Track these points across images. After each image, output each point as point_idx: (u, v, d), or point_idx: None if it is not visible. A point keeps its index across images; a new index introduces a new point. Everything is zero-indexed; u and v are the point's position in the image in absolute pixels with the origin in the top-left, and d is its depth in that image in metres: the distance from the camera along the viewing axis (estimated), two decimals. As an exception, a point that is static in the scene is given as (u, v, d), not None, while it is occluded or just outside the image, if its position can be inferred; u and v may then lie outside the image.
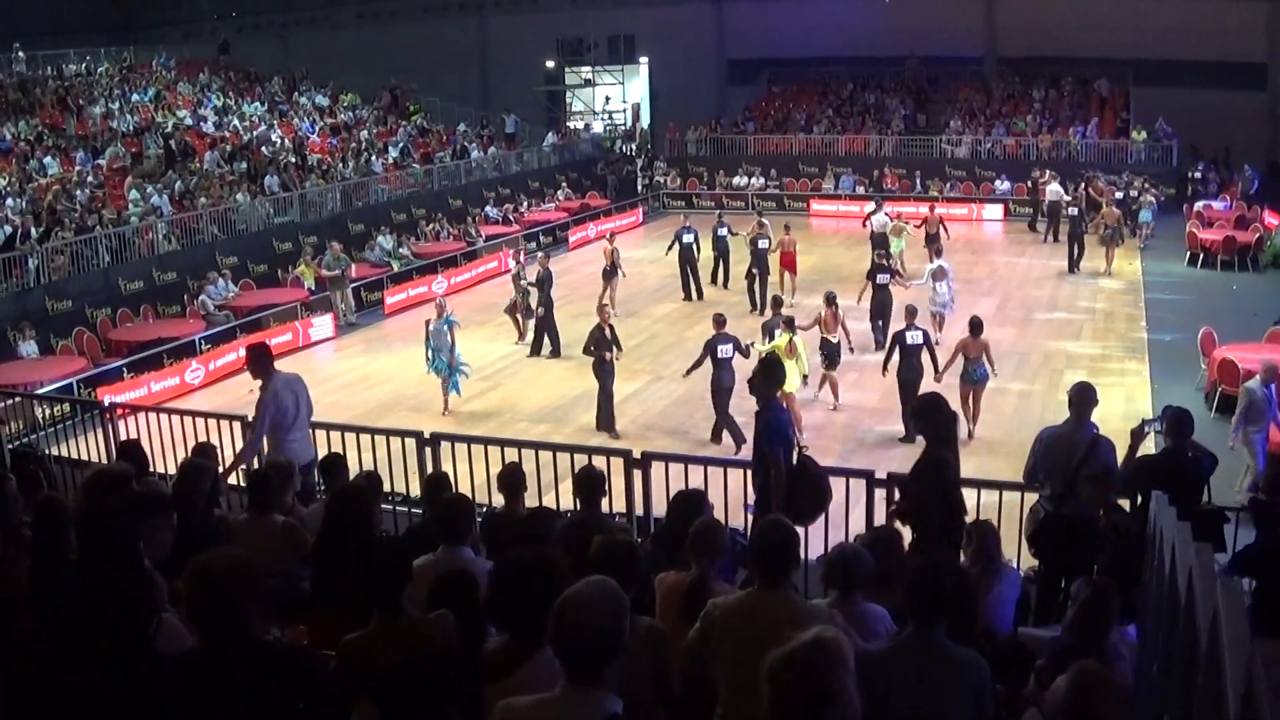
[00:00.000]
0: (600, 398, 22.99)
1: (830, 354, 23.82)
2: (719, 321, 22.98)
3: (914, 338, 22.51)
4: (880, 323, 27.91)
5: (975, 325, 22.48)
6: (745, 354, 22.26)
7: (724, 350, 21.97)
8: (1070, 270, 38.07)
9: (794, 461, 11.76)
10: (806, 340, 23.36)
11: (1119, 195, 44.59)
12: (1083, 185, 44.07)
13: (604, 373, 22.85)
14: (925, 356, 22.49)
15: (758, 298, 32.75)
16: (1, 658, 5.11)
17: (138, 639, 5.40)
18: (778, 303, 25.30)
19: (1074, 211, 39.29)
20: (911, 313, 23.45)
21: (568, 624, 4.52)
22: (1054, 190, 43.82)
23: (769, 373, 12.37)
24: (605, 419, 22.94)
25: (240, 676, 4.96)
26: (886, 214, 37.91)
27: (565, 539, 9.46)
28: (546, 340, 29.05)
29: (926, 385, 20.73)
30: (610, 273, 32.14)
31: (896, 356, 22.55)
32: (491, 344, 29.89)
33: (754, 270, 33.36)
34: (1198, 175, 48.57)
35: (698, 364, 22.38)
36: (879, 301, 28.23)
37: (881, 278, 28.40)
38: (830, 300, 24.00)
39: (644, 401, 24.94)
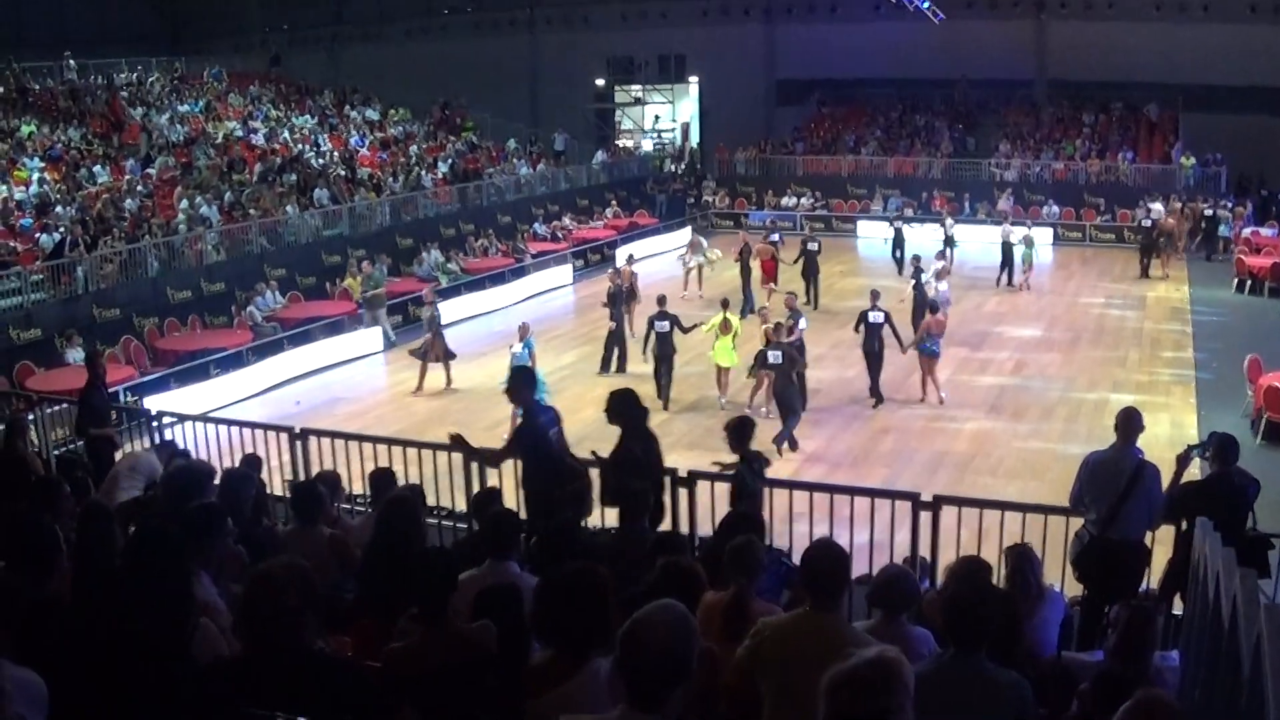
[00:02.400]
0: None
1: (763, 363, 24.12)
2: (660, 300, 27.63)
3: (875, 317, 25.91)
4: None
5: (931, 306, 27.04)
6: (684, 331, 26.57)
7: (661, 325, 26.40)
8: (1142, 275, 41.38)
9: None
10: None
11: (1208, 213, 45.88)
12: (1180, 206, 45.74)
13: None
14: (888, 333, 25.90)
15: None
16: (44, 658, 5.16)
17: (175, 645, 5.46)
18: (725, 304, 27.65)
19: (1147, 223, 42.09)
20: (875, 295, 26.56)
21: (638, 647, 4.38)
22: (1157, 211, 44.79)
23: (518, 381, 13.00)
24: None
25: (288, 684, 5.01)
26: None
27: (608, 553, 9.55)
28: (615, 356, 29.28)
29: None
30: (630, 295, 32.04)
31: (862, 332, 26.11)
32: (539, 361, 29.89)
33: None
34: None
35: (646, 338, 26.73)
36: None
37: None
38: (778, 323, 25.07)
39: (689, 420, 24.95)
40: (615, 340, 29.22)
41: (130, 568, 6.36)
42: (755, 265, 36.34)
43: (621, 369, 28.86)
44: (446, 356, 28.14)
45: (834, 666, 3.98)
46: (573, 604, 5.47)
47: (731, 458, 13.10)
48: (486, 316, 36.44)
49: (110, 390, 24.85)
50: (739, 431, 13.09)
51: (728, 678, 6.27)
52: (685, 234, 46.70)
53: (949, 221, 43.42)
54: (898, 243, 42.77)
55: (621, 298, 29.37)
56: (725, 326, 26.17)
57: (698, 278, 37.46)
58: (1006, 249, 40.23)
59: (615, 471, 11.52)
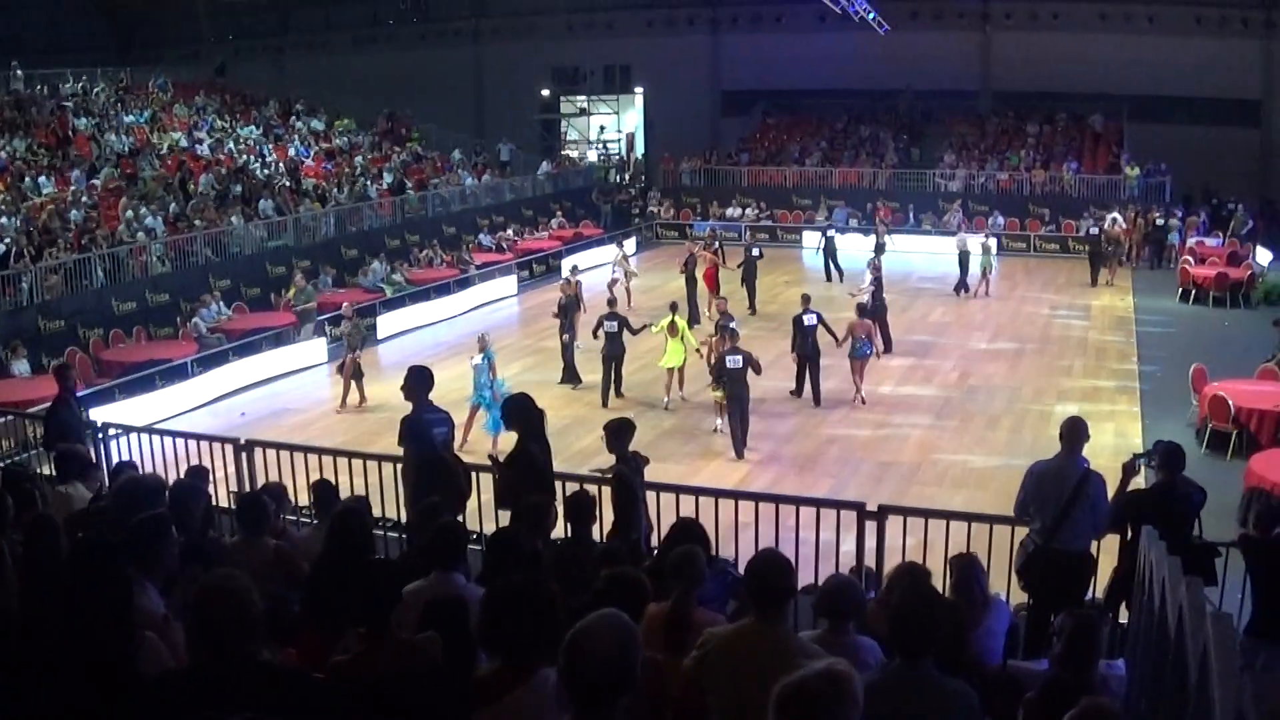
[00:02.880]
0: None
1: (721, 369, 24.15)
2: (610, 302, 29.23)
3: (809, 320, 26.87)
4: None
5: (860, 309, 28.18)
6: (633, 332, 27.60)
7: (610, 325, 27.39)
8: (1092, 284, 42.16)
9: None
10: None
11: (1159, 222, 46.81)
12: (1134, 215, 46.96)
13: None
14: (821, 334, 26.84)
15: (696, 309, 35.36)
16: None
17: (120, 658, 5.41)
18: (674, 307, 28.32)
19: (1094, 231, 43.36)
20: (806, 299, 27.70)
21: (580, 656, 4.36)
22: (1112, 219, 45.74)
23: (411, 380, 13.09)
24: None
25: (234, 695, 4.96)
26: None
27: (556, 564, 9.53)
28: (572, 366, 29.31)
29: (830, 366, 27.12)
30: (576, 306, 32.01)
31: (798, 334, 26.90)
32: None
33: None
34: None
35: (595, 331, 27.75)
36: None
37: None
38: (720, 329, 25.56)
39: (639, 428, 24.92)
40: (569, 352, 29.12)
41: (71, 579, 6.31)
42: (700, 277, 36.40)
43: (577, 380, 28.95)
44: (357, 375, 27.71)
45: (782, 679, 3.95)
46: (519, 614, 5.44)
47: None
48: (432, 327, 36.34)
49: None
50: (617, 433, 13.30)
51: (675, 689, 6.24)
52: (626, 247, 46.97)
53: (881, 229, 45.36)
54: (829, 251, 43.54)
55: (573, 309, 29.20)
56: (673, 329, 26.78)
57: (626, 292, 37.10)
58: (963, 258, 40.47)
59: (510, 472, 11.99)
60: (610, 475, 12.83)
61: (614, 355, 27.61)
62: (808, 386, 26.88)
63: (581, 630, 4.44)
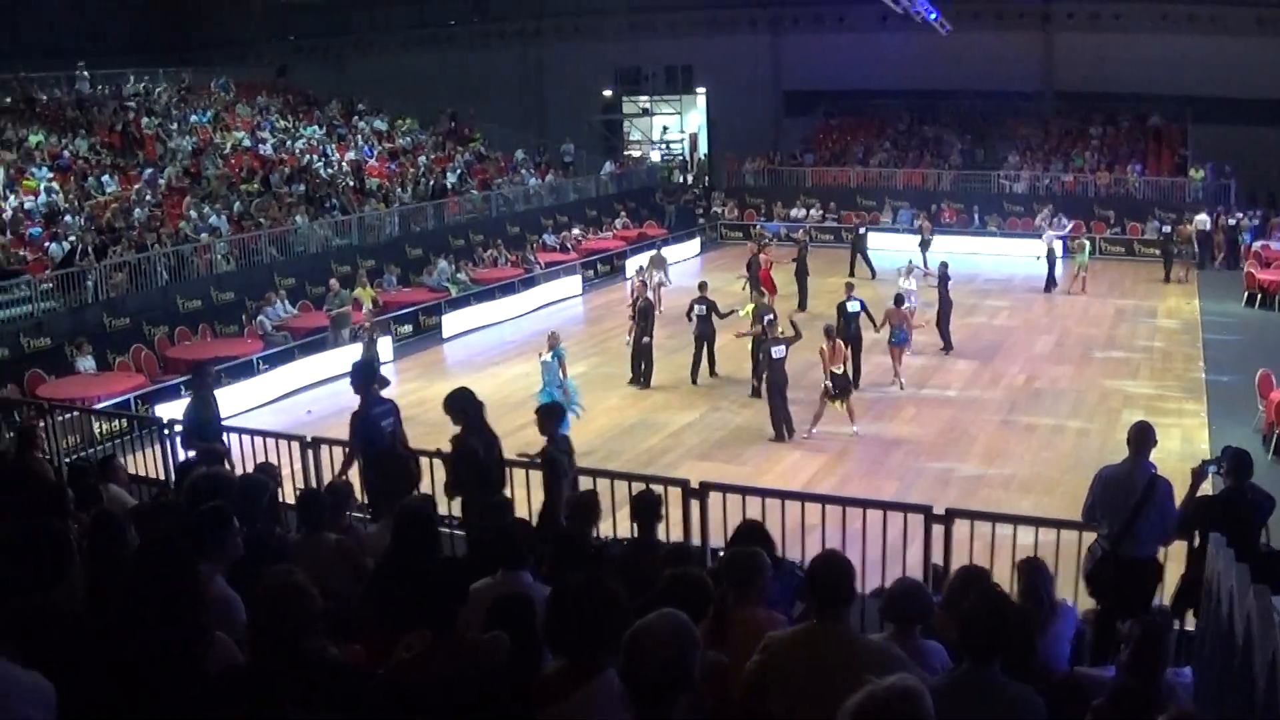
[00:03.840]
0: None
1: (841, 385, 24.87)
2: (701, 286, 31.01)
3: (853, 306, 28.64)
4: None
5: (896, 299, 29.62)
6: (721, 316, 29.56)
7: (699, 309, 29.62)
8: (1165, 280, 43.21)
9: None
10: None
11: (1231, 222, 46.83)
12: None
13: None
14: (864, 320, 28.68)
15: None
16: (54, 665, 5.17)
17: (188, 657, 5.45)
18: (761, 294, 32.31)
19: (1166, 230, 44.48)
20: (849, 286, 30.28)
21: (640, 655, 4.44)
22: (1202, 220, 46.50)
23: (357, 375, 13.91)
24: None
25: (295, 691, 5.00)
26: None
27: (620, 564, 9.56)
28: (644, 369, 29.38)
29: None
30: (650, 310, 32.32)
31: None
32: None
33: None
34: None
35: (688, 312, 30.07)
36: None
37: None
38: (828, 334, 25.50)
39: (701, 431, 24.97)
40: (644, 353, 29.23)
41: (139, 575, 6.36)
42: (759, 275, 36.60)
43: (646, 383, 29.09)
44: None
45: (852, 698, 3.93)
46: (585, 614, 5.45)
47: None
48: (496, 327, 36.44)
49: (120, 398, 25.06)
50: (548, 416, 14.03)
51: (736, 693, 6.26)
52: (694, 245, 47.02)
53: (926, 226, 46.79)
54: (859, 246, 44.80)
55: (650, 311, 29.28)
56: (758, 315, 27.59)
57: (657, 296, 36.62)
58: (1050, 256, 41.55)
59: (453, 466, 12.73)
60: (539, 457, 13.58)
61: (704, 335, 29.53)
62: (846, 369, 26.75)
63: (641, 629, 4.51)
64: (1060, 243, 42.92)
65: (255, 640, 5.34)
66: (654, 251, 42.10)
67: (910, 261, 33.32)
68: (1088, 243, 43.43)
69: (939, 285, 31.67)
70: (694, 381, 29.19)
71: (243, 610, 6.74)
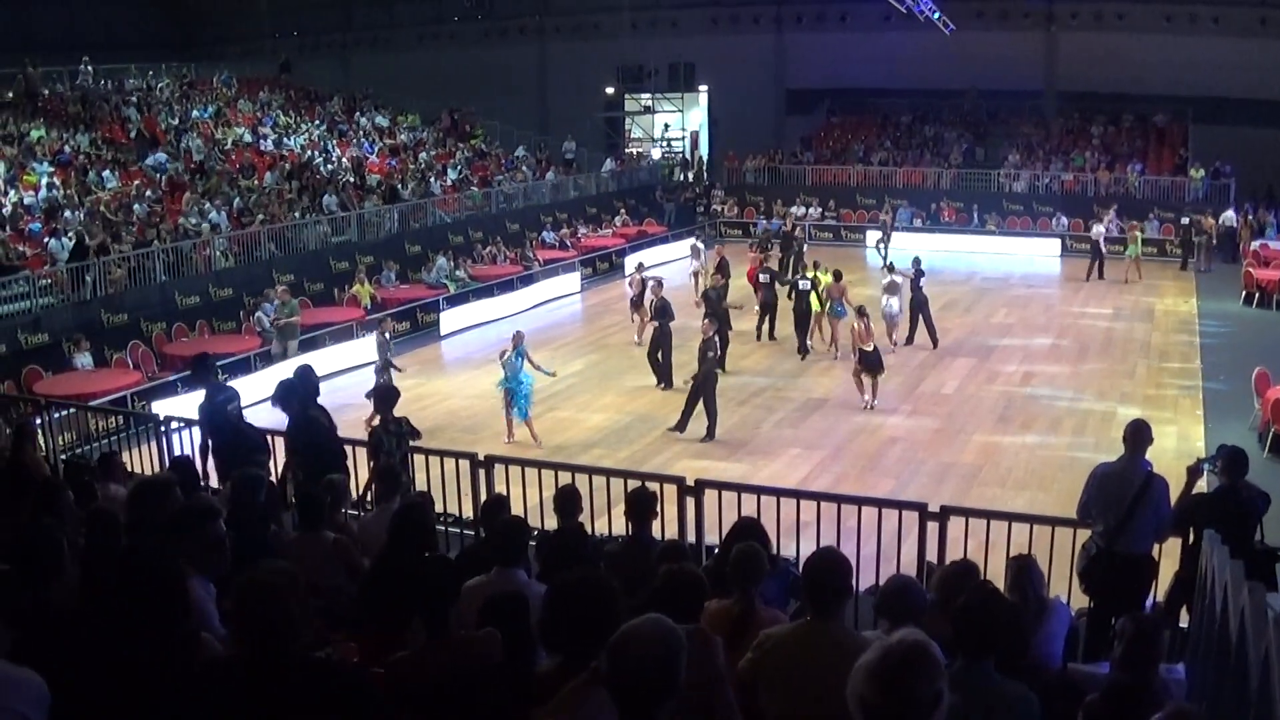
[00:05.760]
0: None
1: (870, 363, 26.16)
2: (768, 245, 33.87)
3: (803, 285, 32.01)
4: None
5: (836, 274, 31.78)
6: (781, 283, 33.59)
7: (763, 276, 33.46)
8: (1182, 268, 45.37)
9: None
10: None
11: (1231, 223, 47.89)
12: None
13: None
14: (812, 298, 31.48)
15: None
16: (54, 668, 5.16)
17: (180, 654, 5.44)
18: (815, 264, 34.27)
19: (1185, 221, 46.56)
20: (804, 268, 34.34)
21: (624, 660, 4.37)
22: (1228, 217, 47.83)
23: (192, 368, 15.02)
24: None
25: (282, 692, 4.98)
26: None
27: (615, 561, 9.55)
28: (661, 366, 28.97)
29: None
30: (639, 303, 32.53)
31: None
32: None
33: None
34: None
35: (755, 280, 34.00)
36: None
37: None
38: (860, 313, 27.16)
39: (696, 428, 24.94)
40: (664, 349, 28.70)
41: (129, 572, 6.35)
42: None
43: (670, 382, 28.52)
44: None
45: (865, 655, 3.91)
46: (580, 612, 5.44)
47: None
48: (495, 324, 36.37)
49: (117, 395, 25.03)
50: (384, 398, 14.98)
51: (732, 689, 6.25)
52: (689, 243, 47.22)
53: (887, 221, 49.66)
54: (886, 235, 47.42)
55: (668, 309, 28.81)
56: (814, 284, 31.81)
57: (693, 284, 38.08)
58: (1095, 247, 43.60)
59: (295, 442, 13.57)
60: (368, 436, 14.55)
61: (768, 302, 33.12)
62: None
63: (626, 634, 4.46)
64: (1103, 237, 43.95)
65: (241, 637, 5.32)
66: (692, 240, 43.22)
67: (892, 279, 32.92)
68: (1139, 233, 44.94)
69: (913, 281, 31.71)
70: (758, 338, 33.15)
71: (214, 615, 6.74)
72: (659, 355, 28.55)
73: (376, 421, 14.94)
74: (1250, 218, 47.27)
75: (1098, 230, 44.10)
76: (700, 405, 24.23)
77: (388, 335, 28.02)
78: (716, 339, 25.08)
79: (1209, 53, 51.77)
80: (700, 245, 41.78)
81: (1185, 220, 46.22)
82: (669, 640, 4.43)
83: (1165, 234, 48.25)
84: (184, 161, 41.62)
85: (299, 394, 13.79)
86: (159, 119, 45.70)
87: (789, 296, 32.40)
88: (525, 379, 24.11)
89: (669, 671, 4.38)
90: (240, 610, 5.11)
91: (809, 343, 31.58)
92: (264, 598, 5.05)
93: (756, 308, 33.50)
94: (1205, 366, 29.56)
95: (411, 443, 14.77)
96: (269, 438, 14.35)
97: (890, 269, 33.39)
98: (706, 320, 25.22)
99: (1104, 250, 43.30)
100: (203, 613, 6.79)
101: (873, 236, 49.69)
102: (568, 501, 10.86)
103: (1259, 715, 5.03)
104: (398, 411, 14.87)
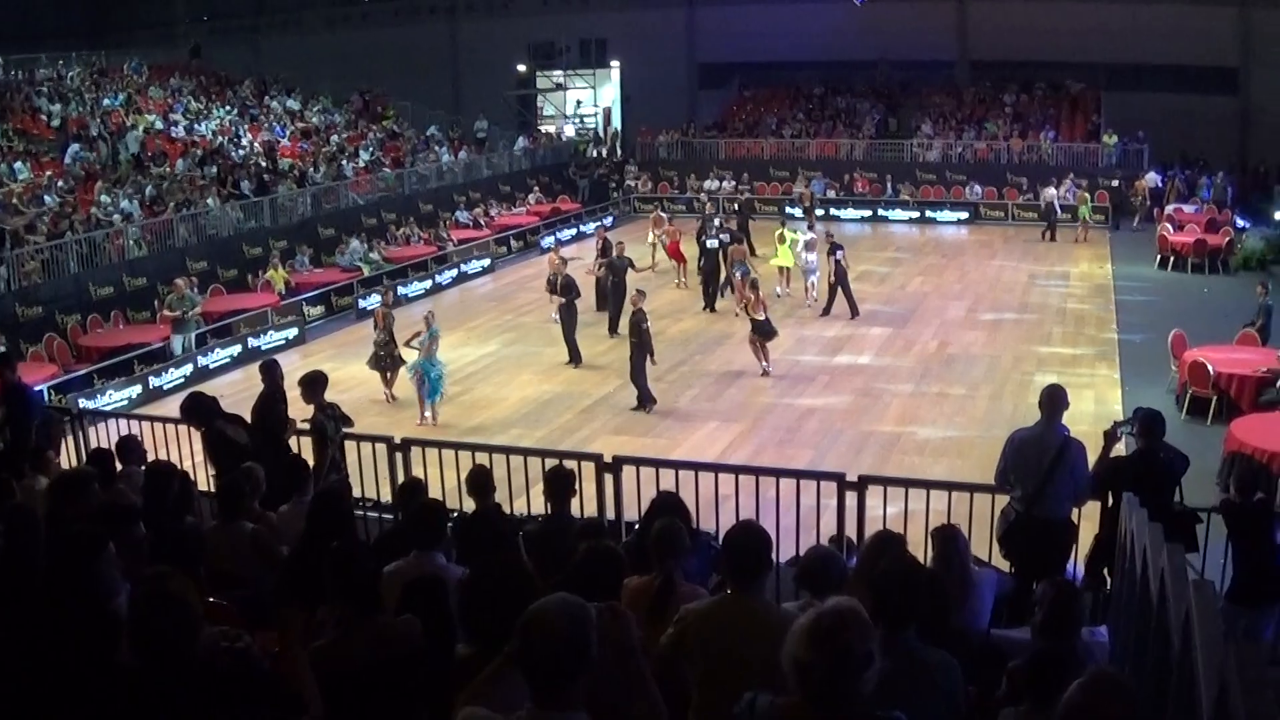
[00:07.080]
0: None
1: (764, 330, 26.85)
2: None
3: (711, 244, 33.85)
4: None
5: (735, 237, 34.96)
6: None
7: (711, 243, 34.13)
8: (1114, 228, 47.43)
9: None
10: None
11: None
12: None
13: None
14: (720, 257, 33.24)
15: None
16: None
17: (100, 651, 5.34)
18: (783, 223, 37.07)
19: (1116, 185, 49.31)
20: (712, 225, 34.85)
21: (532, 640, 4.34)
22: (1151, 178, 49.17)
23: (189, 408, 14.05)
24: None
25: (186, 697, 4.89)
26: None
27: (534, 541, 9.50)
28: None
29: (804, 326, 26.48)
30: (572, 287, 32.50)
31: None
32: (462, 349, 29.75)
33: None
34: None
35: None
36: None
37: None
38: (754, 285, 28.13)
39: (615, 405, 24.88)
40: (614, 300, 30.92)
41: (48, 572, 6.26)
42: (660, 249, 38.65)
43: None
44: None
45: (798, 621, 3.93)
46: (495, 596, 5.39)
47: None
48: (408, 305, 36.16)
49: (34, 388, 24.71)
50: (311, 385, 14.77)
51: (652, 666, 6.19)
52: (607, 220, 47.24)
53: (805, 195, 50.95)
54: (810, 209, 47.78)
55: (573, 286, 28.97)
56: (780, 239, 34.75)
57: (650, 253, 38.49)
58: (1050, 208, 45.96)
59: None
60: (310, 424, 14.41)
61: (712, 270, 33.82)
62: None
63: (534, 613, 4.44)
64: (1057, 199, 45.88)
65: (136, 642, 5.21)
66: (655, 213, 44.36)
67: (810, 236, 34.00)
68: (1088, 196, 46.61)
69: (830, 254, 32.05)
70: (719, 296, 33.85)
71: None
72: (569, 332, 28.66)
73: (312, 409, 14.72)
74: (1178, 181, 48.24)
75: (1050, 193, 45.59)
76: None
77: (389, 306, 27.57)
78: (645, 311, 24.92)
79: (1121, 19, 52.36)
80: (664, 216, 42.88)
81: (1116, 183, 48.05)
82: (577, 617, 4.41)
83: (1100, 200, 48.33)
84: (96, 152, 41.11)
85: (198, 414, 13.82)
86: (70, 110, 45.10)
87: (699, 257, 34.32)
88: (438, 361, 23.99)
89: (578, 648, 4.35)
90: (132, 615, 5.03)
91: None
92: (157, 609, 4.97)
93: (682, 280, 35.92)
94: (1121, 330, 29.80)
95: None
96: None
97: (810, 228, 35.33)
98: (636, 293, 25.45)
99: (1058, 212, 45.15)
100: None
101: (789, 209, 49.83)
102: (480, 482, 10.82)
103: (1181, 676, 5.02)
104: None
